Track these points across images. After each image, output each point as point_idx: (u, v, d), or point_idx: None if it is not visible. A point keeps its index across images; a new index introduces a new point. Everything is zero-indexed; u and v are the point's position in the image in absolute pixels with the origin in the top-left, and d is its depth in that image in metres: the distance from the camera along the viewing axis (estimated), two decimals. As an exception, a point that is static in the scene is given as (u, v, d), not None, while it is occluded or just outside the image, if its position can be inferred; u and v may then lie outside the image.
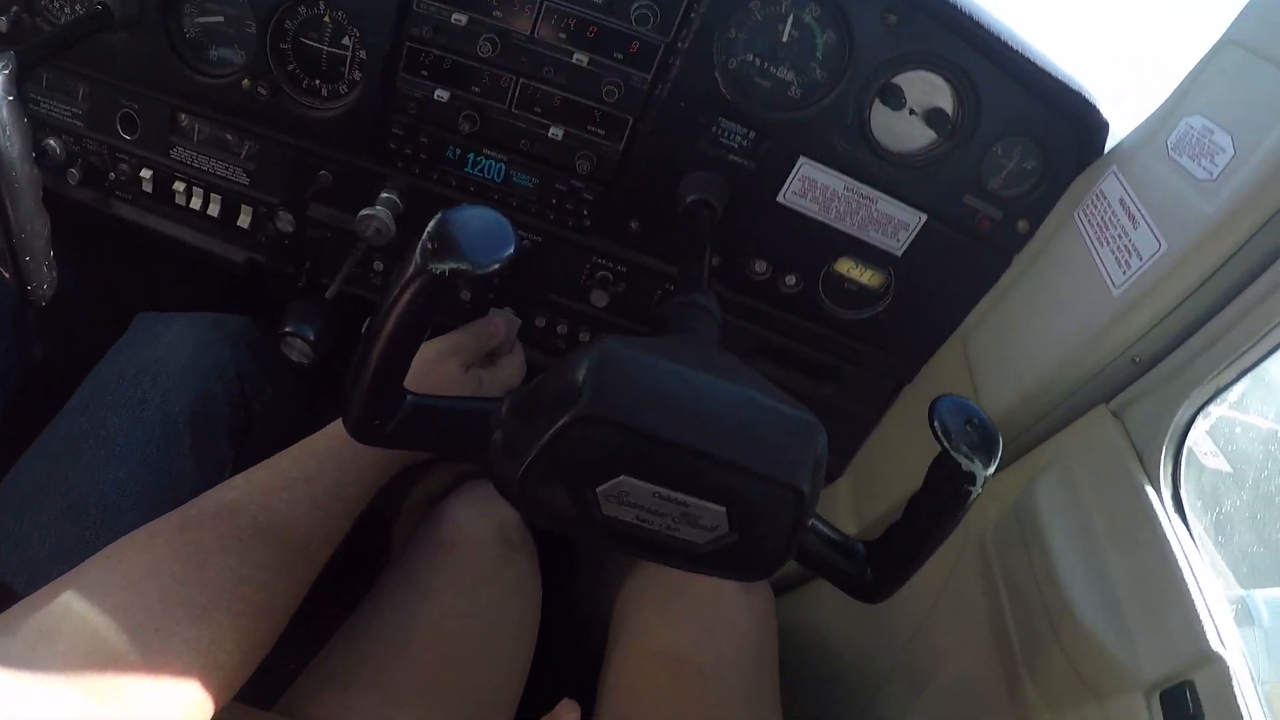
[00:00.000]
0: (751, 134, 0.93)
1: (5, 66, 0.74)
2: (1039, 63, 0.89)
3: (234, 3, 0.99)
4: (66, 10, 1.08)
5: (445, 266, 0.47)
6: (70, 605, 0.52)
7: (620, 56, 0.90)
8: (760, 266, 1.01)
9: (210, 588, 0.58)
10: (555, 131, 0.94)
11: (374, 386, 0.53)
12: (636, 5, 0.86)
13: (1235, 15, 0.83)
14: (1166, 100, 0.88)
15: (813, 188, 0.95)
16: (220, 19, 1.02)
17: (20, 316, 1.07)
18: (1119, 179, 0.88)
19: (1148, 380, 0.82)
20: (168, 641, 0.53)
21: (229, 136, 1.07)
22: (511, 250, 0.49)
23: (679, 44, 0.89)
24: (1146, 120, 0.90)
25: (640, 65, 0.90)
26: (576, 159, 0.95)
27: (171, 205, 1.13)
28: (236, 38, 1.01)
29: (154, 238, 1.16)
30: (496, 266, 0.48)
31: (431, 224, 0.49)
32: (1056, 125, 0.91)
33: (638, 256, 1.04)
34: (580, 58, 0.90)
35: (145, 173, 1.12)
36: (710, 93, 0.91)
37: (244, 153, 1.08)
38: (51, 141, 1.11)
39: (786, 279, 1.02)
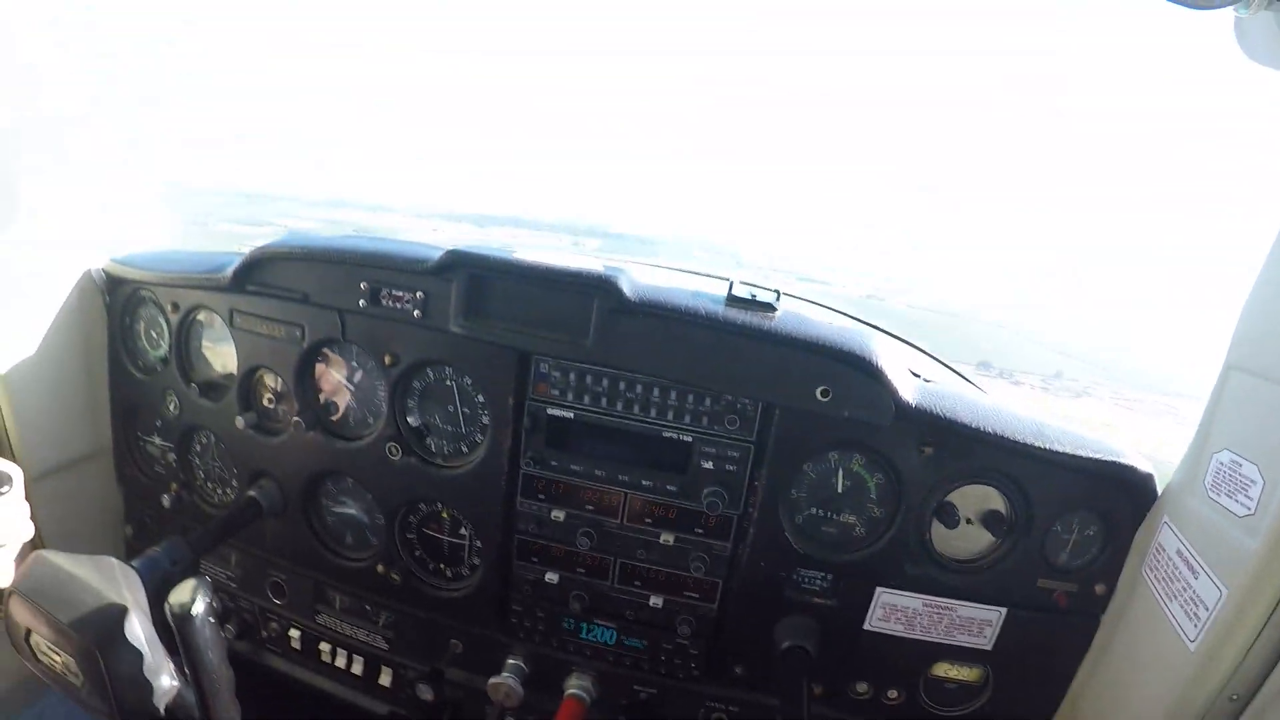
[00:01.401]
0: (829, 576, 1.03)
1: (206, 595, 0.80)
2: (1071, 444, 0.96)
3: (364, 499, 1.17)
4: (219, 491, 1.28)
5: None
6: None
7: (701, 532, 1.03)
8: (862, 687, 1.08)
9: None
10: (655, 601, 1.06)
11: None
12: (707, 492, 1.00)
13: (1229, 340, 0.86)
14: (1195, 437, 0.92)
15: (894, 611, 1.03)
16: (354, 511, 1.20)
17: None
18: (1172, 529, 0.92)
19: (1252, 711, 0.83)
20: None
21: (368, 607, 1.22)
22: None
23: (749, 512, 1.01)
24: (1184, 460, 0.95)
25: (719, 536, 1.03)
26: (678, 622, 1.06)
27: (318, 662, 1.27)
28: (369, 526, 1.19)
29: (304, 688, 1.30)
30: None
31: None
32: (1105, 490, 0.98)
33: (745, 695, 1.12)
34: (667, 538, 1.03)
35: (294, 632, 1.28)
36: (785, 548, 1.02)
37: (381, 621, 1.22)
38: (212, 603, 1.29)
39: (889, 694, 1.08)
